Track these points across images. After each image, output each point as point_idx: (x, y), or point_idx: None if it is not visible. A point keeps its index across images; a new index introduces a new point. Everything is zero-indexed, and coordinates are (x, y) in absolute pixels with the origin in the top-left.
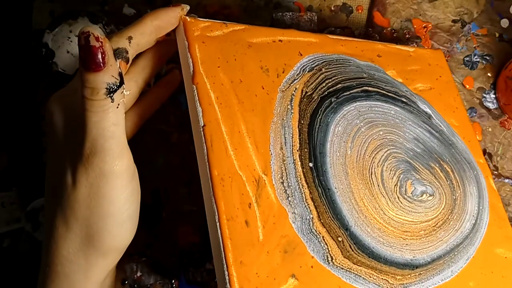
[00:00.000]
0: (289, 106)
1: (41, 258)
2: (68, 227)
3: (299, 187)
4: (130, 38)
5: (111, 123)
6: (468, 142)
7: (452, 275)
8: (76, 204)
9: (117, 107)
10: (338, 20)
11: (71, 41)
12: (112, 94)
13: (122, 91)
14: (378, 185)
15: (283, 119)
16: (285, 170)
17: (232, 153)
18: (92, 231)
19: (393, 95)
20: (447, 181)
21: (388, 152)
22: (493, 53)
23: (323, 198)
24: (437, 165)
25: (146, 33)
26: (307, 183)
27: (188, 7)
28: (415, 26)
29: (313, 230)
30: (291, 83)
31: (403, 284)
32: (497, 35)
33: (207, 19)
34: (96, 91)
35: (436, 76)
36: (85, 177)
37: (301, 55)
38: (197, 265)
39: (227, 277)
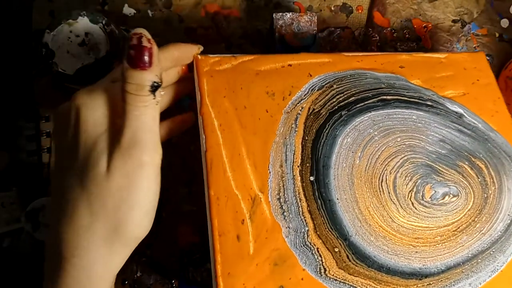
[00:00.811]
0: (293, 125)
1: (46, 254)
2: (93, 216)
3: (296, 201)
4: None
5: (151, 117)
6: None
7: None
8: (107, 193)
9: (156, 104)
10: (338, 20)
11: (71, 41)
12: (154, 91)
13: (161, 91)
14: (389, 192)
15: (285, 138)
16: (283, 186)
17: (230, 174)
18: (119, 219)
19: (416, 100)
20: (478, 178)
21: (405, 158)
22: (493, 53)
23: (322, 210)
24: (466, 163)
25: (168, 59)
26: (305, 197)
27: (202, 48)
28: (415, 26)
29: (307, 243)
30: (298, 103)
31: None
32: (497, 35)
33: (218, 55)
34: (141, 87)
35: (473, 80)
36: (121, 166)
37: (311, 76)
38: (197, 265)
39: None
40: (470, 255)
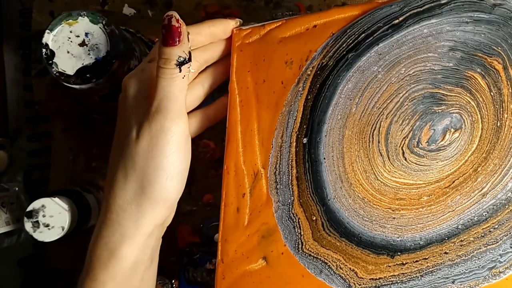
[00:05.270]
0: (300, 89)
1: (99, 210)
2: (126, 178)
3: (288, 170)
4: (187, 33)
5: (176, 88)
6: None
7: None
8: (136, 156)
9: (183, 78)
10: None
11: (71, 41)
12: (180, 65)
13: (189, 67)
14: (379, 142)
15: (291, 105)
16: (280, 157)
17: (241, 150)
18: (146, 181)
19: (429, 6)
20: (490, 92)
21: (406, 95)
22: None
23: (308, 174)
24: (478, 70)
25: (201, 33)
26: (296, 163)
27: (241, 21)
28: None
29: (291, 215)
30: (310, 65)
31: (375, 279)
32: None
33: (250, 26)
34: (168, 61)
35: None
36: (147, 131)
37: (333, 34)
38: (197, 265)
39: (218, 250)
40: (459, 227)
